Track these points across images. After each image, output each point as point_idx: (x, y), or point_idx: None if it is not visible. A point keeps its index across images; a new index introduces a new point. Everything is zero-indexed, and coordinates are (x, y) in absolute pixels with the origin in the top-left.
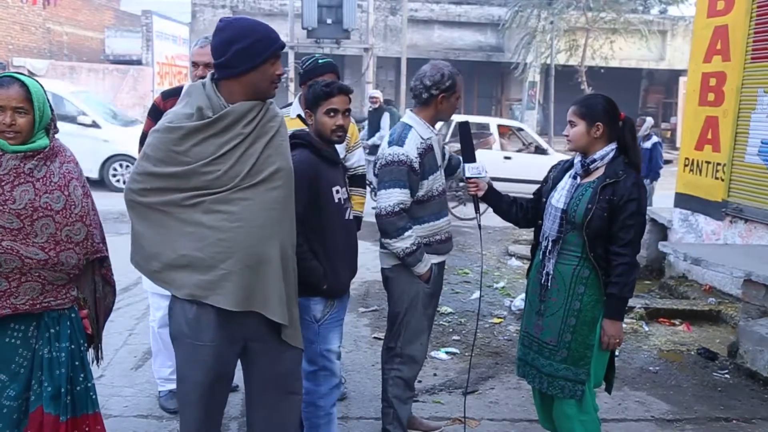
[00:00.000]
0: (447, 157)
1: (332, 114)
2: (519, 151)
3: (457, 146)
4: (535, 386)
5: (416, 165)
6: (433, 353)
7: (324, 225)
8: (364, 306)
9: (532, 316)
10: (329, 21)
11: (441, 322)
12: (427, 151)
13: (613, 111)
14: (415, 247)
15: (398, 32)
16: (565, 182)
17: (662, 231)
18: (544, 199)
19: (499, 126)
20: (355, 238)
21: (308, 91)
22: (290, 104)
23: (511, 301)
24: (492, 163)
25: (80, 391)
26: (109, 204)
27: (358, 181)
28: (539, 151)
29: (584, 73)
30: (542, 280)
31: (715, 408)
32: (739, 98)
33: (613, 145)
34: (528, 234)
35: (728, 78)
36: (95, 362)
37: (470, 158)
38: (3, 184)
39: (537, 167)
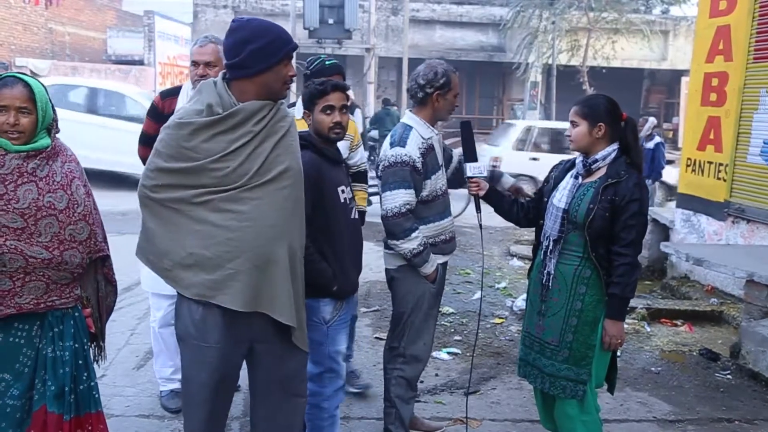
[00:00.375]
0: (456, 160)
1: (329, 111)
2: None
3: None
4: (537, 386)
5: (419, 165)
6: (434, 353)
7: (331, 226)
8: (365, 306)
9: (534, 316)
10: (331, 21)
11: (443, 323)
12: (428, 151)
13: (615, 111)
14: (422, 248)
15: (400, 32)
16: (567, 182)
17: (664, 231)
18: (546, 199)
19: None
20: (361, 237)
21: (304, 92)
22: (294, 104)
23: (513, 302)
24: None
25: (84, 390)
26: (110, 203)
27: (360, 177)
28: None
29: (586, 73)
30: (543, 280)
31: (717, 409)
32: (742, 98)
33: (615, 146)
34: (530, 234)
35: (730, 78)
36: (97, 361)
37: (471, 158)
38: (6, 183)
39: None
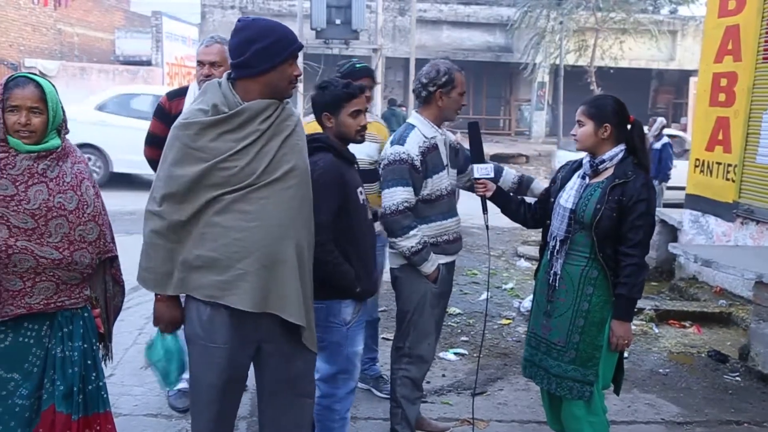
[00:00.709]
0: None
1: (356, 115)
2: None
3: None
4: (544, 387)
5: (418, 163)
6: (441, 354)
7: (354, 227)
8: None
9: (540, 317)
10: (338, 21)
11: (449, 323)
12: (430, 150)
13: (622, 112)
14: (420, 247)
15: (407, 33)
16: (574, 182)
17: (672, 232)
18: (552, 199)
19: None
20: (375, 237)
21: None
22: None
23: (520, 302)
24: None
25: (92, 390)
26: (118, 204)
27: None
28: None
29: (593, 73)
30: (550, 281)
31: (726, 411)
32: (751, 98)
33: (622, 146)
34: (537, 235)
35: (739, 78)
36: (105, 361)
37: (479, 159)
38: (18, 184)
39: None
